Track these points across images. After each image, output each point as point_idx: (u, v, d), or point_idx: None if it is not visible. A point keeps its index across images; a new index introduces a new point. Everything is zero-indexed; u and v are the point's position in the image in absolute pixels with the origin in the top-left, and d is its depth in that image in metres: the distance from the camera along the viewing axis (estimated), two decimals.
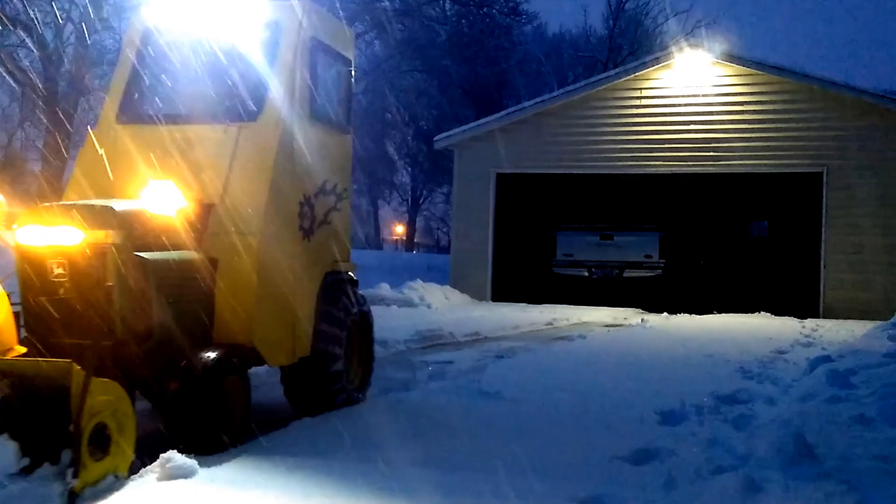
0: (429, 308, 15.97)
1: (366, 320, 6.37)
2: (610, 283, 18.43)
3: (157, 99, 5.83)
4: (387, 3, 32.16)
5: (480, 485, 3.98)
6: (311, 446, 4.68)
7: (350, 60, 6.42)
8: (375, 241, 69.58)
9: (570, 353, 9.39)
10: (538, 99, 19.85)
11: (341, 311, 5.84)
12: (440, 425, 5.29)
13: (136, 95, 5.84)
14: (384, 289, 16.92)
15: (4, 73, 21.60)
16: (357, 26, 32.40)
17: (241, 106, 5.51)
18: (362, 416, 5.65)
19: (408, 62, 32.97)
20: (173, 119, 5.57)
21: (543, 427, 5.29)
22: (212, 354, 4.59)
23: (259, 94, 5.47)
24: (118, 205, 4.76)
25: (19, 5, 20.58)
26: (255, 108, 5.45)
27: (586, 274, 18.60)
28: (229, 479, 3.99)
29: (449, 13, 34.23)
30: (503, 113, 20.01)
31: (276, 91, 5.43)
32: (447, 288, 18.24)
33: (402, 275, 21.07)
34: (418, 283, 17.33)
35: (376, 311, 14.73)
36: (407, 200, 63.77)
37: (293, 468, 4.21)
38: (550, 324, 13.84)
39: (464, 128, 20.17)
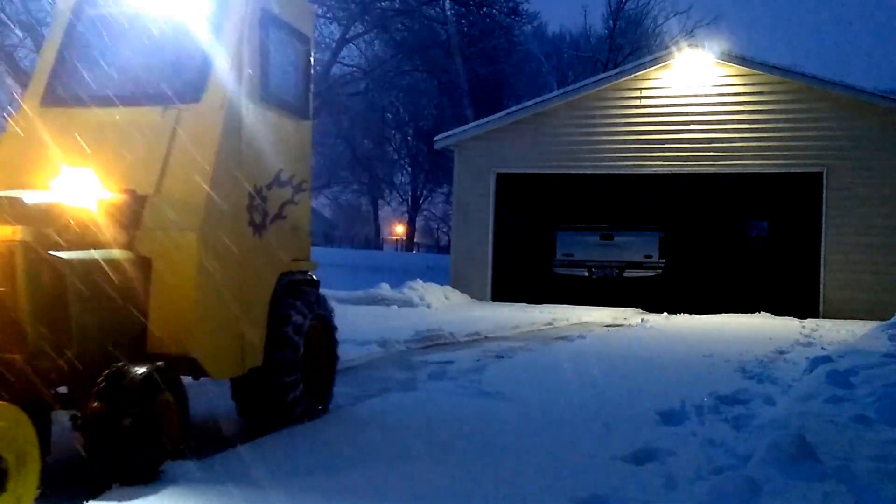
0: (429, 308, 15.97)
1: (326, 324, 5.81)
2: (610, 283, 18.43)
3: (87, 78, 5.17)
4: (387, 2, 32.15)
5: (479, 485, 3.98)
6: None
7: (308, 38, 5.77)
8: (375, 241, 69.58)
9: (570, 353, 9.38)
10: (538, 99, 19.84)
11: (298, 315, 5.28)
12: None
13: (65, 75, 5.20)
14: (384, 289, 16.93)
15: (4, 73, 21.61)
16: (357, 26, 32.43)
17: (181, 86, 4.86)
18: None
19: (408, 62, 32.96)
20: (105, 101, 4.95)
21: (543, 427, 5.29)
22: (140, 369, 3.97)
23: (201, 73, 4.86)
24: (29, 196, 4.24)
25: (19, 5, 20.60)
26: (196, 89, 4.81)
27: (586, 274, 18.61)
28: None
29: (449, 13, 34.22)
30: (503, 113, 20.01)
31: (221, 69, 4.82)
32: (447, 288, 18.25)
33: (402, 275, 21.09)
34: (418, 283, 17.34)
35: (376, 311, 14.84)
36: (407, 200, 63.77)
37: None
38: (550, 324, 13.84)
39: (464, 128, 20.18)
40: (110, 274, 4.24)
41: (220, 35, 4.91)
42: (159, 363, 4.10)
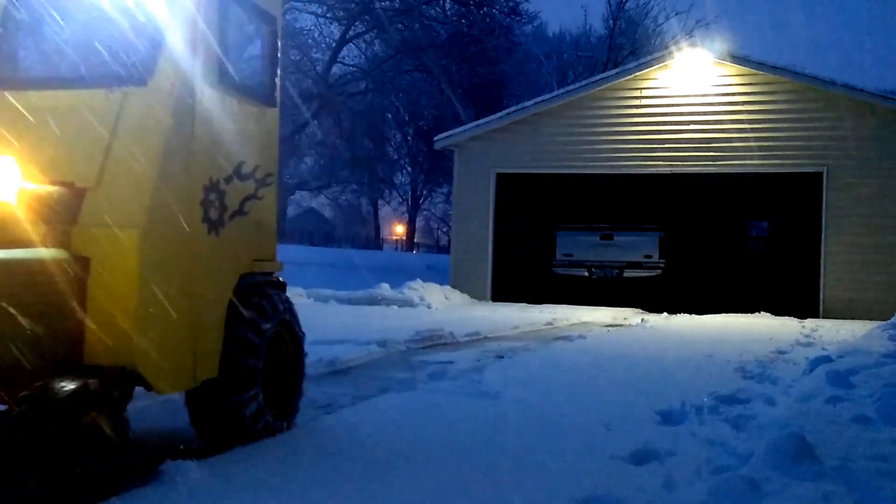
0: (429, 308, 15.97)
1: (293, 331, 5.28)
2: (610, 283, 18.44)
3: (22, 58, 4.73)
4: (387, 2, 32.16)
5: (476, 485, 3.98)
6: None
7: (274, 18, 5.24)
8: (375, 241, 69.61)
9: (569, 353, 9.38)
10: (538, 99, 19.85)
11: (260, 320, 4.81)
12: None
13: None
14: (384, 289, 16.94)
15: None
16: (357, 26, 32.44)
17: (126, 66, 4.35)
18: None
19: (408, 62, 32.96)
20: (42, 82, 4.50)
21: (543, 427, 5.29)
22: (67, 384, 3.47)
23: (150, 53, 4.33)
24: None
25: None
26: (144, 70, 4.29)
27: (586, 274, 18.62)
28: None
29: (449, 13, 34.24)
30: (503, 113, 20.01)
31: (172, 49, 4.32)
32: (447, 288, 18.25)
33: (402, 275, 21.08)
34: (418, 283, 17.35)
35: (376, 311, 14.85)
36: (407, 200, 63.80)
37: None
38: (550, 324, 13.84)
39: (464, 128, 20.18)
40: (38, 275, 3.77)
41: (173, 10, 4.39)
42: (92, 378, 3.59)
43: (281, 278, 5.41)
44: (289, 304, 5.25)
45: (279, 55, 5.32)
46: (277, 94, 5.26)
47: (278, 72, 5.28)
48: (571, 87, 20.09)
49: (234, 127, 4.75)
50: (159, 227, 4.13)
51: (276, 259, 5.38)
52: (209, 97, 4.52)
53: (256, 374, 4.70)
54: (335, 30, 32.94)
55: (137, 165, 4.10)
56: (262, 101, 5.12)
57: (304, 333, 5.41)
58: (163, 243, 4.16)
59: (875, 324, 13.56)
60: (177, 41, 4.35)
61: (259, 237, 5.11)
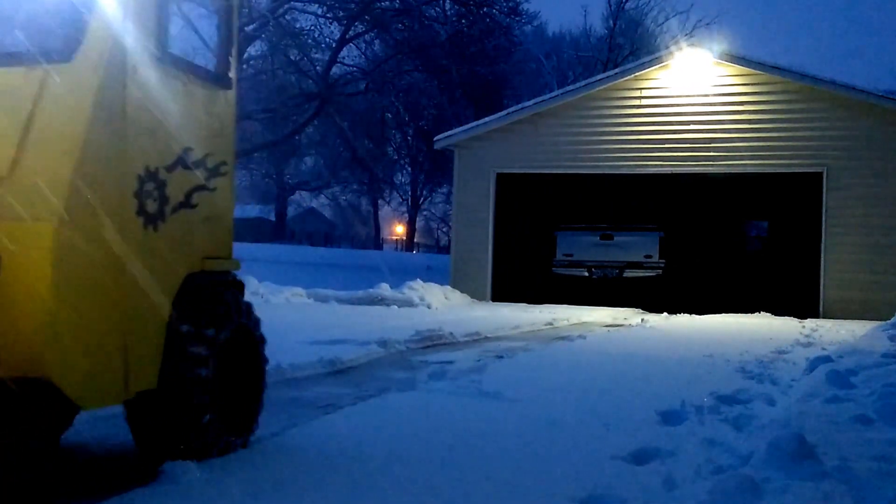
0: (429, 308, 15.98)
1: (251, 337, 4.74)
2: (610, 283, 18.45)
3: None
4: (387, 2, 32.14)
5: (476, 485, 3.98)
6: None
7: None
8: (375, 241, 69.61)
9: (569, 353, 9.38)
10: (538, 99, 19.87)
11: (209, 324, 4.29)
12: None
13: None
14: (384, 289, 16.95)
15: None
16: (357, 26, 32.42)
17: (48, 40, 3.88)
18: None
19: (408, 62, 32.96)
20: None
21: (543, 427, 5.29)
22: None
23: (75, 25, 3.83)
24: None
25: None
26: (67, 44, 3.80)
27: (586, 274, 18.64)
28: None
29: (449, 13, 34.22)
30: (503, 113, 20.03)
31: (103, 20, 3.82)
32: (447, 288, 18.26)
33: (402, 275, 21.08)
34: (418, 283, 17.35)
35: (376, 311, 14.84)
36: (407, 200, 63.82)
37: None
38: (550, 324, 13.84)
39: (464, 128, 20.20)
40: None
41: None
42: None
43: (239, 278, 4.86)
44: (247, 307, 4.70)
45: (236, 31, 4.79)
46: (234, 74, 4.76)
47: (234, 50, 4.76)
48: (571, 87, 20.12)
49: (178, 109, 4.25)
50: (80, 220, 3.65)
51: (233, 257, 4.86)
52: (147, 75, 4.02)
53: (204, 384, 4.18)
54: (335, 30, 32.91)
55: (56, 152, 3.65)
56: (215, 82, 4.62)
57: (264, 339, 4.88)
58: (85, 239, 3.68)
59: (875, 324, 13.56)
60: (108, 11, 3.85)
61: (211, 233, 4.60)
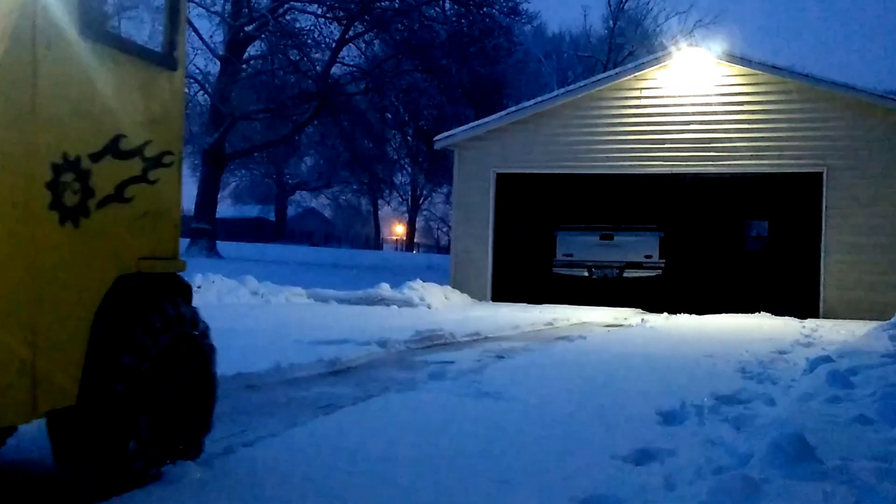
0: (429, 308, 15.98)
1: (197, 346, 4.21)
2: (610, 283, 18.46)
3: None
4: (387, 2, 32.16)
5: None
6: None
7: None
8: (375, 241, 69.63)
9: (570, 353, 9.39)
10: (538, 99, 19.87)
11: (144, 333, 3.80)
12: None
13: None
14: (384, 289, 16.96)
15: None
16: (357, 26, 32.43)
17: None
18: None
19: (408, 62, 32.97)
20: None
21: (543, 427, 5.29)
22: None
23: None
24: None
25: None
26: None
27: (586, 274, 18.64)
28: None
29: (449, 13, 34.24)
30: (503, 113, 20.04)
31: None
32: (447, 288, 18.27)
33: (402, 275, 21.10)
34: (418, 283, 17.36)
35: (376, 311, 14.85)
36: (407, 200, 63.87)
37: None
38: (550, 324, 13.84)
39: (464, 128, 20.21)
40: None
41: None
42: None
43: (188, 281, 4.34)
44: (193, 314, 4.19)
45: (184, 8, 4.38)
46: (181, 54, 4.29)
47: (182, 28, 4.30)
48: (571, 86, 20.12)
49: (108, 91, 3.76)
50: None
51: (180, 257, 4.33)
52: (66, 50, 3.51)
53: (131, 401, 3.68)
54: (335, 30, 32.95)
55: None
56: (157, 61, 4.11)
57: (214, 349, 4.34)
58: None
59: (875, 324, 13.57)
60: None
61: (150, 230, 4.07)
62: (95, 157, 3.67)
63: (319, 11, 32.28)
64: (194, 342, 4.19)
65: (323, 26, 32.78)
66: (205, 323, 4.28)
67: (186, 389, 4.13)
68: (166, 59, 4.15)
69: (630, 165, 18.17)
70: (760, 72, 17.46)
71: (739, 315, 15.76)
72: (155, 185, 4.06)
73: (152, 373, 3.82)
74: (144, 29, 4.29)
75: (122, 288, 3.81)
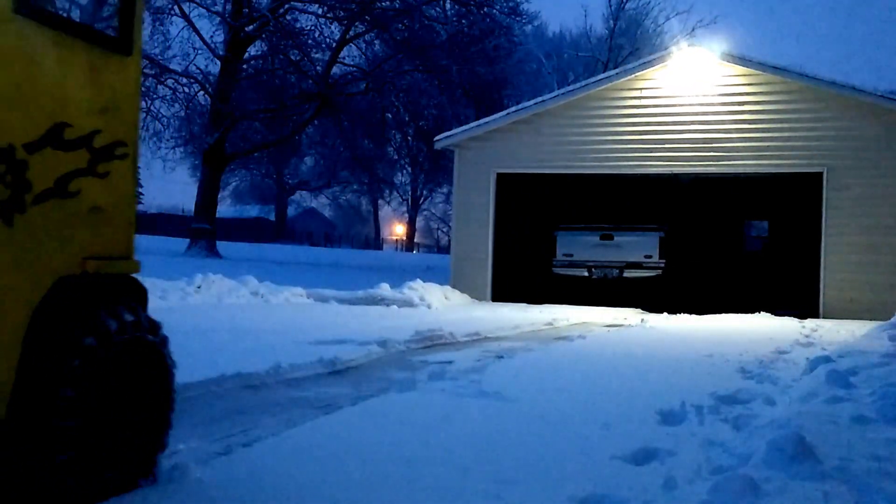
0: (429, 308, 15.98)
1: (151, 353, 3.82)
2: (610, 283, 18.46)
3: None
4: (387, 2, 32.16)
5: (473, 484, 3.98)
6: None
7: None
8: (375, 241, 69.62)
9: (569, 353, 9.38)
10: (538, 99, 19.87)
11: (84, 340, 3.44)
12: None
13: None
14: (384, 289, 16.95)
15: None
16: (357, 26, 32.43)
17: None
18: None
19: (408, 62, 32.97)
20: None
21: (543, 427, 5.29)
22: None
23: None
24: None
25: None
26: None
27: (586, 274, 18.64)
28: None
29: (449, 13, 34.25)
30: (503, 113, 20.04)
31: None
32: (447, 288, 18.27)
33: (402, 275, 21.10)
34: (418, 283, 17.36)
35: (376, 311, 14.86)
36: (407, 200, 63.90)
37: None
38: (550, 324, 13.84)
39: (464, 128, 20.21)
40: None
41: None
42: None
43: (139, 281, 3.96)
44: (146, 319, 3.81)
45: None
46: (136, 38, 3.92)
47: (138, 10, 3.96)
48: (571, 87, 20.12)
49: (48, 75, 3.45)
50: None
51: (134, 256, 3.96)
52: None
53: (71, 413, 3.34)
54: (335, 30, 32.95)
55: None
56: (109, 45, 3.78)
57: (172, 360, 3.96)
58: None
59: (875, 324, 13.56)
60: None
61: (99, 228, 3.72)
62: (32, 147, 3.35)
63: (320, 11, 32.28)
64: (150, 350, 3.81)
65: (323, 26, 32.79)
66: (158, 325, 3.89)
67: (137, 403, 3.74)
68: (120, 42, 3.82)
69: (630, 165, 18.17)
70: (760, 72, 17.46)
71: (739, 315, 15.75)
72: (105, 179, 3.73)
73: (94, 384, 3.45)
74: (102, 11, 3.83)
75: (63, 291, 3.46)
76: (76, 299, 3.51)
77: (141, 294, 3.90)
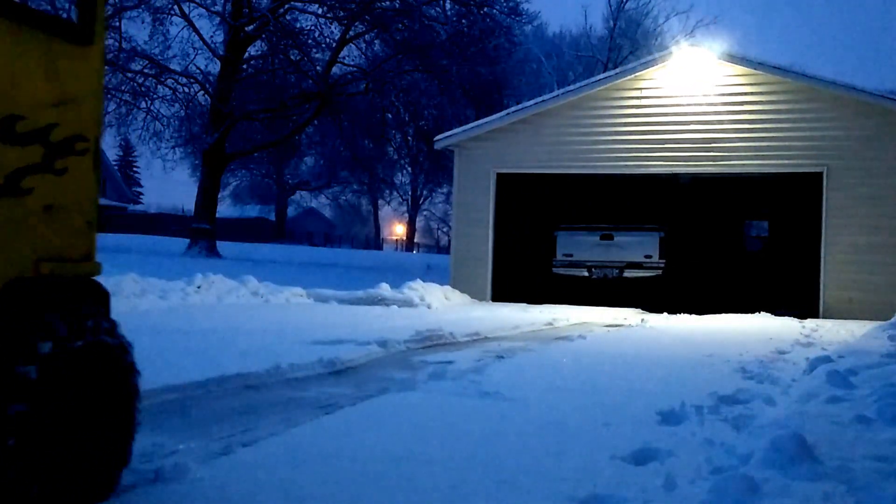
0: (429, 308, 15.98)
1: (113, 360, 3.56)
2: (610, 283, 18.46)
3: None
4: (387, 2, 32.16)
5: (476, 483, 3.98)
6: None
7: None
8: (375, 241, 69.64)
9: (569, 353, 9.38)
10: (538, 99, 19.88)
11: (36, 345, 3.17)
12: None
13: None
14: (384, 289, 16.94)
15: None
16: (357, 26, 32.44)
17: None
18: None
19: (408, 62, 32.97)
20: None
21: (543, 427, 5.29)
22: None
23: None
24: None
25: None
26: None
27: (586, 274, 18.64)
28: None
29: (449, 13, 34.25)
30: (503, 113, 20.04)
31: None
32: (447, 288, 18.26)
33: (402, 275, 21.10)
34: (418, 283, 17.35)
35: (376, 311, 14.86)
36: (407, 200, 63.91)
37: None
38: (550, 324, 13.84)
39: (464, 128, 20.21)
40: None
41: None
42: None
43: (101, 284, 3.72)
44: (107, 324, 3.56)
45: None
46: (99, 26, 3.70)
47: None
48: (571, 87, 20.12)
49: None
50: None
51: (95, 258, 3.72)
52: None
53: (20, 425, 3.08)
54: (335, 30, 32.95)
55: None
56: (68, 34, 3.56)
57: (135, 368, 3.68)
58: None
59: (875, 324, 13.56)
60: None
61: (56, 227, 3.50)
62: None
63: (320, 11, 32.29)
64: (110, 355, 3.55)
65: (323, 26, 32.80)
66: (120, 334, 3.62)
67: (96, 415, 3.47)
68: (79, 31, 3.58)
69: (630, 165, 18.17)
70: (760, 72, 17.46)
71: (739, 315, 15.75)
72: (62, 176, 3.49)
73: (42, 393, 3.17)
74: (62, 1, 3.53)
75: (13, 294, 3.25)
76: (29, 302, 3.28)
77: (102, 297, 3.66)
